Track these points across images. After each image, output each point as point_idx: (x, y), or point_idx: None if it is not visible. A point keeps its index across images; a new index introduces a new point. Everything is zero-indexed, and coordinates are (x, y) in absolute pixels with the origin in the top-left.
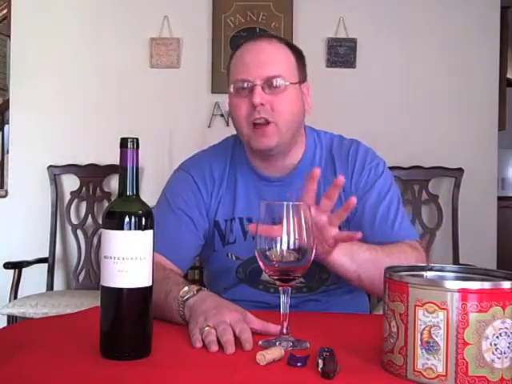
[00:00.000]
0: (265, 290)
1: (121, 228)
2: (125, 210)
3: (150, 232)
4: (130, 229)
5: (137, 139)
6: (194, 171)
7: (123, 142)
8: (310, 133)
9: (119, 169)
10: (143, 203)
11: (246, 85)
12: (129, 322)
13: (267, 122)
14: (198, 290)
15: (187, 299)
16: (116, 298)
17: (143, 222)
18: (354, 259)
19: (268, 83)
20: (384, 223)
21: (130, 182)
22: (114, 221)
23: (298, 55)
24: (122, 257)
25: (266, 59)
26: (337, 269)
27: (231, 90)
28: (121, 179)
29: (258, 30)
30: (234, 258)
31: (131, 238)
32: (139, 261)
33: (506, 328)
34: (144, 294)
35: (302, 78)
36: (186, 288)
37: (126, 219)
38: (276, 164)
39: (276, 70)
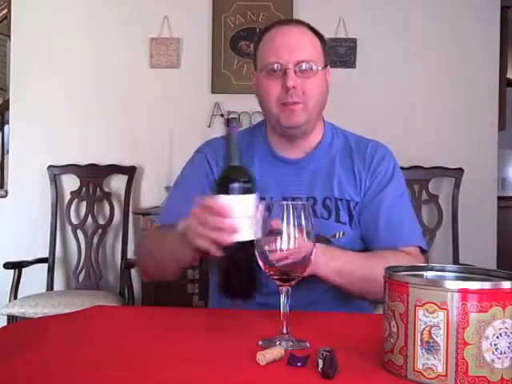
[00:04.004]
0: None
1: (237, 192)
2: (237, 177)
3: (254, 195)
4: (244, 193)
5: (238, 117)
6: (208, 151)
7: (229, 121)
8: (328, 124)
9: (226, 143)
10: (249, 170)
11: (277, 67)
12: (242, 267)
13: (297, 102)
14: None
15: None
16: (233, 249)
17: (251, 186)
18: (342, 276)
19: (299, 67)
20: (392, 228)
21: (236, 153)
22: (230, 186)
23: (322, 41)
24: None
25: (297, 43)
26: (323, 280)
27: (263, 72)
28: (230, 150)
29: (257, 30)
30: None
31: (248, 199)
32: (250, 219)
33: (506, 328)
34: (250, 245)
35: (326, 62)
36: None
37: (239, 184)
38: (296, 145)
39: (307, 55)
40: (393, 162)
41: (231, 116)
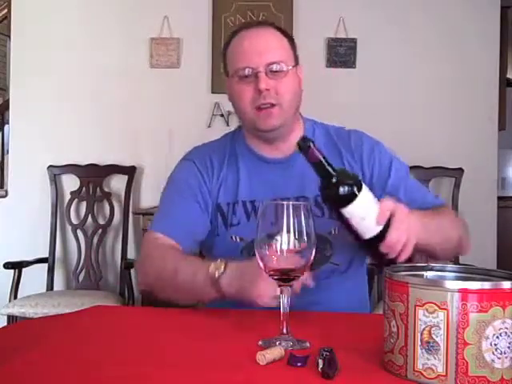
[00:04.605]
0: None
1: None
2: (345, 187)
3: (364, 189)
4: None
5: (311, 140)
6: (196, 158)
7: (303, 146)
8: (308, 120)
9: (313, 166)
10: (345, 171)
11: (248, 72)
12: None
13: (272, 105)
14: (225, 266)
15: (219, 277)
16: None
17: (360, 183)
18: (427, 232)
19: (270, 69)
20: (424, 196)
21: (328, 169)
22: (346, 198)
23: (290, 40)
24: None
25: (265, 46)
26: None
27: (235, 78)
28: (320, 172)
29: None
30: (238, 239)
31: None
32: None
33: (506, 328)
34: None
35: (296, 61)
36: (213, 265)
37: (351, 190)
38: (277, 146)
39: (276, 57)
40: (380, 143)
41: (301, 139)
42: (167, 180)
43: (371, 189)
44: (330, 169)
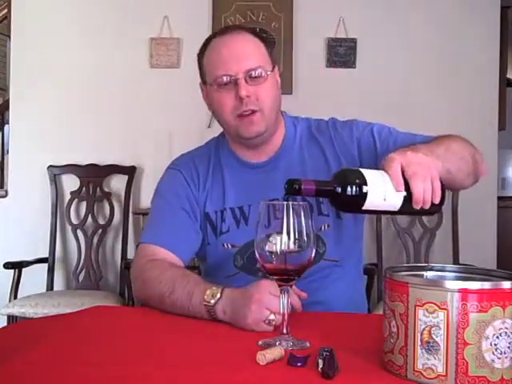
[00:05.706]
0: (264, 276)
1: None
2: (353, 187)
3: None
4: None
5: (296, 183)
6: (182, 167)
7: (293, 191)
8: (289, 118)
9: (314, 196)
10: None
11: (227, 79)
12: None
13: (253, 111)
14: (221, 293)
15: (215, 303)
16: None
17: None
18: (438, 158)
19: (249, 75)
20: (413, 140)
21: (327, 189)
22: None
23: (267, 43)
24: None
25: (243, 52)
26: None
27: (214, 86)
28: (322, 195)
29: (257, 29)
30: (229, 246)
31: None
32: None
33: (506, 328)
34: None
35: (273, 64)
36: (209, 291)
37: (358, 185)
38: (261, 150)
39: (254, 62)
40: (354, 120)
41: (287, 185)
42: (155, 190)
43: (365, 163)
44: (328, 187)
